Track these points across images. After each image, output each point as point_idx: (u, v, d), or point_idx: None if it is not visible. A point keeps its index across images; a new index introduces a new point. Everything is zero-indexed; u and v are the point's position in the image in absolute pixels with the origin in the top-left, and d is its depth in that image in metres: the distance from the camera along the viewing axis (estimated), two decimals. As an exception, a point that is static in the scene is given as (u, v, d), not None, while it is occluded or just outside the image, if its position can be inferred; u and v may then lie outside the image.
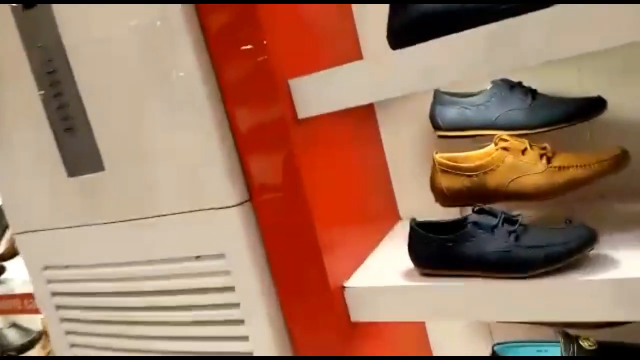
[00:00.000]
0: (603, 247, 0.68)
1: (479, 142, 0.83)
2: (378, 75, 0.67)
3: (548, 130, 0.77)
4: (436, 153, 0.81)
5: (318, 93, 0.71)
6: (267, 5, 0.70)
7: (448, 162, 0.79)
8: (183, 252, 0.80)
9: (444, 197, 0.80)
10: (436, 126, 0.86)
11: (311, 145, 0.75)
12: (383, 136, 1.03)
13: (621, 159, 0.71)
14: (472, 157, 0.80)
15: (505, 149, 0.76)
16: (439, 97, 0.86)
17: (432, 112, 0.87)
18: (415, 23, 0.68)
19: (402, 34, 0.71)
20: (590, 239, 0.66)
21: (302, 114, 0.73)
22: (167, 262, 0.82)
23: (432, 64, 0.64)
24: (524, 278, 0.66)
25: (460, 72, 0.63)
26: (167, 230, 0.81)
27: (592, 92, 0.80)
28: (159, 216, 0.81)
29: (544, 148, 0.76)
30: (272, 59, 0.69)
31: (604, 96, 0.77)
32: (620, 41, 0.54)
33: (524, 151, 0.75)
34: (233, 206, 0.75)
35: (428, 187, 0.82)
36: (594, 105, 0.76)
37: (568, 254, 0.65)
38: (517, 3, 0.62)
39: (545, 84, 0.85)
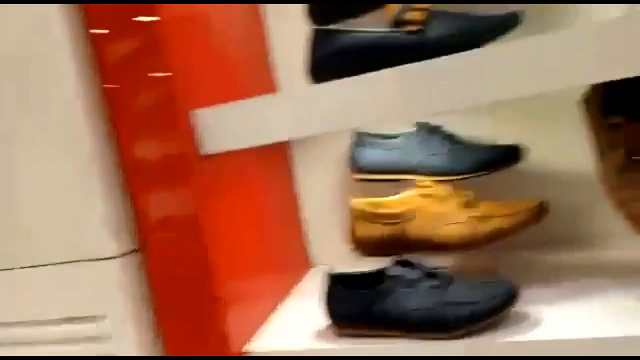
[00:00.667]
0: (523, 303, 0.64)
1: (400, 187, 0.78)
2: (293, 110, 0.60)
3: (470, 177, 0.74)
4: (354, 198, 0.74)
5: (224, 127, 0.62)
6: (170, 28, 0.61)
7: (366, 209, 0.73)
8: (52, 313, 0.66)
9: (362, 247, 0.73)
10: (355, 169, 0.80)
11: (214, 186, 0.66)
12: (297, 177, 0.96)
13: (543, 209, 0.68)
14: (393, 203, 0.74)
15: (426, 195, 0.71)
16: (358, 138, 0.81)
17: (351, 154, 0.81)
18: (338, 56, 0.63)
19: (323, 67, 0.65)
20: (513, 295, 0.62)
21: (205, 149, 0.63)
22: (31, 324, 0.67)
23: (353, 102, 0.58)
24: (447, 339, 0.60)
25: (383, 111, 0.58)
26: (33, 286, 0.66)
27: (505, 139, 0.79)
28: (22, 268, 0.66)
29: (467, 195, 0.72)
30: (172, 87, 0.60)
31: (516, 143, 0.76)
32: (534, 91, 0.52)
33: (446, 198, 0.71)
34: (116, 257, 0.62)
35: (343, 235, 0.75)
36: (515, 153, 0.74)
37: (491, 312, 0.61)
38: (444, 41, 0.59)
39: (461, 128, 0.82)
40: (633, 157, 0.57)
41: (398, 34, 0.60)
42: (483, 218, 0.68)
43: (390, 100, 0.56)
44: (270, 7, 0.91)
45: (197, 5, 0.70)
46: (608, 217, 0.65)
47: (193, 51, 0.66)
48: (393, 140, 0.79)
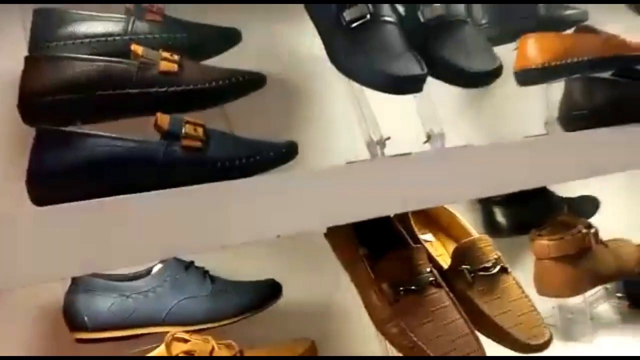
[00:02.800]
0: None
1: (140, 345, 0.60)
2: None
3: (231, 322, 0.63)
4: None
5: None
6: None
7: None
8: None
9: None
10: (78, 326, 0.58)
11: None
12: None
13: (314, 348, 0.63)
14: (143, 370, 0.55)
15: (188, 352, 0.56)
16: (81, 282, 0.59)
17: (69, 305, 0.58)
18: (83, 167, 0.46)
19: (53, 183, 0.46)
20: None
21: None
22: None
23: (83, 236, 0.42)
24: None
25: (125, 249, 0.43)
26: None
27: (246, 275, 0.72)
28: None
29: (230, 346, 0.60)
30: None
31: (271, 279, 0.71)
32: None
33: (211, 353, 0.57)
34: None
35: None
36: (276, 290, 0.67)
37: None
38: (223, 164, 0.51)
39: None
40: (399, 289, 0.59)
41: (174, 148, 0.49)
42: (259, 372, 0.57)
43: (143, 233, 0.42)
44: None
45: None
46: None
47: None
48: (132, 283, 0.61)
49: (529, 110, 0.86)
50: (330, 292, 0.76)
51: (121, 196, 0.42)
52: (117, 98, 0.52)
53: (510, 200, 0.91)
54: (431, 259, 0.65)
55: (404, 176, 0.55)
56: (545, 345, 0.59)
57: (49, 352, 0.62)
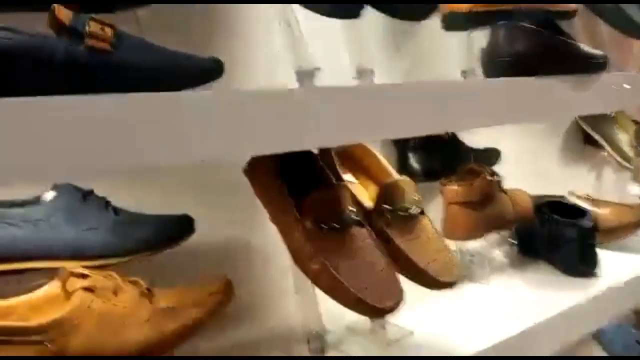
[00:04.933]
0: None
1: (28, 280, 0.52)
2: None
3: (137, 258, 0.56)
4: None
5: None
6: None
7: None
8: None
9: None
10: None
11: None
12: None
13: (230, 286, 0.59)
14: (34, 306, 0.48)
15: (89, 288, 0.49)
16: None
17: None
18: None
19: None
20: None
21: None
22: None
23: None
24: None
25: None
26: None
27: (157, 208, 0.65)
28: None
29: (137, 283, 0.54)
30: None
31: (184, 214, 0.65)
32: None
33: (116, 290, 0.51)
34: None
35: None
36: (188, 225, 0.62)
37: None
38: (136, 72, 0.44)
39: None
40: (323, 227, 0.57)
41: (77, 47, 0.40)
42: (169, 311, 0.53)
43: (35, 146, 0.35)
44: None
45: None
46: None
47: None
48: (20, 210, 0.53)
49: (448, 57, 0.87)
50: (247, 230, 0.72)
51: (5, 98, 0.34)
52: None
53: (424, 148, 0.93)
54: (354, 198, 0.64)
55: (333, 109, 0.52)
56: (455, 282, 0.61)
57: None
